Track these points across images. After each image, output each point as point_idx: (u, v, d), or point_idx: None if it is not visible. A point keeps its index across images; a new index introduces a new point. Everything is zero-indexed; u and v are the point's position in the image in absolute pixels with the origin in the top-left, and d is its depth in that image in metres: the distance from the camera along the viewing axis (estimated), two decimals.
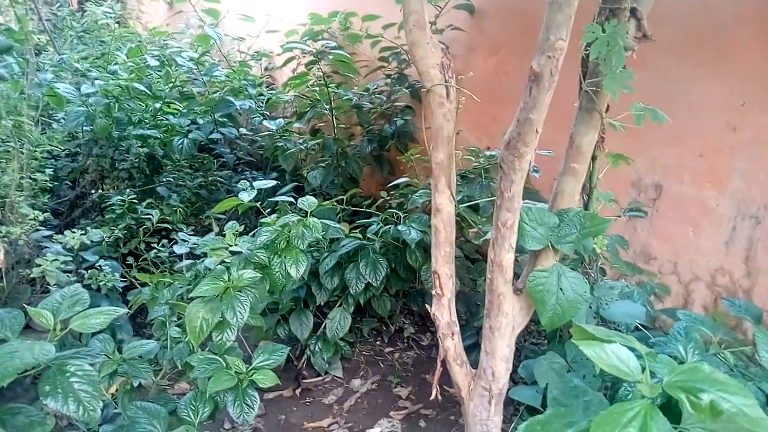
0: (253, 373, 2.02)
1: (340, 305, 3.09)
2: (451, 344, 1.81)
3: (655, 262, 3.08)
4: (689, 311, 2.05)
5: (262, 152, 4.75)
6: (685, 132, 2.78)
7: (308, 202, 2.33)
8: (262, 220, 2.31)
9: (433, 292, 1.77)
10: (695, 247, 2.87)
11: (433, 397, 1.88)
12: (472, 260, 3.22)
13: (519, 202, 1.54)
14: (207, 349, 2.13)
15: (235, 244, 2.16)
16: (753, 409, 0.69)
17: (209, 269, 2.25)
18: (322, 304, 3.05)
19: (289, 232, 2.21)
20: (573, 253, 1.68)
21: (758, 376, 1.52)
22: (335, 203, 3.09)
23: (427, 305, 1.82)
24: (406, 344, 3.58)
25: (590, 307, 1.85)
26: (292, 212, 2.50)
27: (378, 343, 3.60)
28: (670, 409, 0.86)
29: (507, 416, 1.94)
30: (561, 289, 1.54)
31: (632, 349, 0.84)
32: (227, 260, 2.22)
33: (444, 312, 1.77)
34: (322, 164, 4.00)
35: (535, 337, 3.47)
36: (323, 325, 3.14)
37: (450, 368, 1.85)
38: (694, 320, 1.73)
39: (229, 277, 2.08)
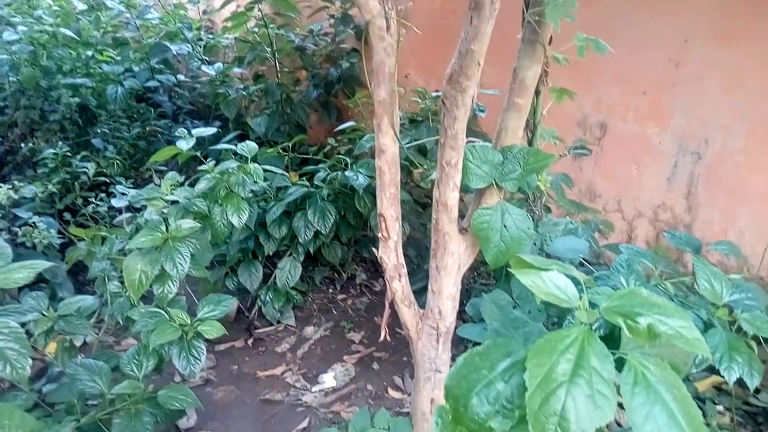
0: (199, 325, 1.96)
1: (290, 255, 3.05)
2: (399, 286, 1.80)
3: (600, 200, 3.14)
4: (632, 245, 2.09)
5: (202, 100, 4.56)
6: (629, 70, 2.78)
7: (248, 147, 2.24)
8: (201, 168, 2.21)
9: (379, 235, 1.74)
10: (639, 184, 2.93)
11: (382, 338, 1.88)
12: (422, 205, 3.21)
13: (463, 140, 1.50)
14: (154, 304, 2.06)
15: (172, 194, 2.06)
16: (690, 331, 0.69)
17: (148, 221, 2.15)
18: (271, 254, 2.99)
19: (229, 179, 2.12)
20: (517, 191, 1.67)
21: (697, 305, 1.57)
22: (281, 151, 3.00)
23: (374, 249, 1.79)
24: (358, 291, 3.59)
25: (534, 244, 1.86)
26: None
27: (330, 291, 3.59)
28: (613, 339, 0.86)
29: (456, 355, 1.96)
30: (505, 226, 1.53)
31: (571, 278, 0.83)
32: (165, 211, 2.13)
33: (391, 255, 1.75)
34: (267, 111, 3.86)
35: (484, 277, 3.53)
36: (273, 275, 3.10)
37: (398, 310, 1.84)
38: (636, 253, 1.77)
39: (167, 227, 1.99)
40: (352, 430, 1.86)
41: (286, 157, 3.27)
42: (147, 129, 4.14)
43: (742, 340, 1.41)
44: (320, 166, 3.00)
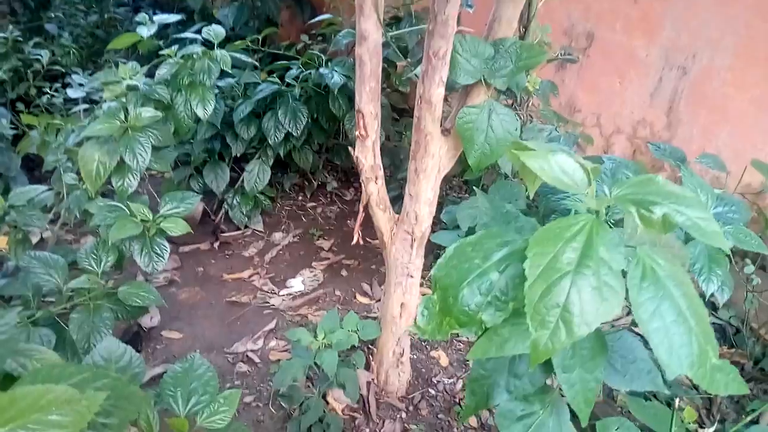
0: (162, 221, 1.86)
1: (259, 157, 2.92)
2: (375, 189, 1.72)
3: (579, 115, 3.07)
4: (614, 156, 2.04)
5: None
6: None
7: (215, 31, 2.04)
8: (162, 52, 2.02)
9: (356, 133, 1.63)
10: (620, 98, 2.86)
11: (354, 241, 1.82)
12: (399, 111, 3.08)
13: (453, 27, 1.37)
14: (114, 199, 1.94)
15: (131, 78, 1.89)
16: (708, 223, 0.63)
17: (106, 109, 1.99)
18: (238, 155, 2.86)
19: (193, 65, 1.95)
20: (503, 93, 1.57)
21: None
22: (249, 44, 2.79)
23: (350, 149, 1.69)
24: (329, 199, 3.51)
25: None
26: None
27: (300, 198, 3.50)
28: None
29: (427, 264, 1.92)
30: (491, 127, 1.45)
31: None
32: (124, 100, 1.97)
33: (368, 154, 1.65)
34: (235, 3, 3.58)
35: (456, 191, 3.48)
36: (241, 178, 2.98)
37: (373, 213, 1.78)
38: (619, 163, 1.71)
39: (126, 116, 1.84)
40: (321, 330, 1.84)
41: (256, 55, 3.07)
42: (105, 17, 3.82)
43: (723, 253, 1.39)
44: (292, 63, 2.81)
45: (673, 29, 2.54)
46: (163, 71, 1.91)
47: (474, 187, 2.43)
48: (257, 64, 2.67)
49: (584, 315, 0.60)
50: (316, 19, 2.88)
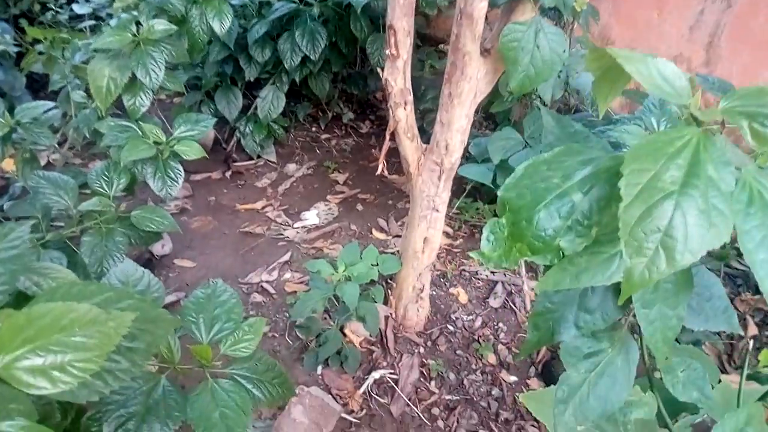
0: (175, 144, 1.77)
1: (273, 83, 2.79)
2: (403, 115, 1.61)
3: (611, 47, 2.90)
4: None
5: None
6: None
7: None
8: None
9: (387, 51, 1.51)
10: (657, 31, 2.69)
11: (379, 171, 1.73)
12: (421, 37, 2.91)
13: None
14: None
15: None
16: None
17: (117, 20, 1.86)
18: (252, 80, 2.72)
19: None
20: (551, 8, 1.44)
21: None
22: None
23: (379, 70, 1.57)
24: (344, 131, 3.39)
25: (558, 77, 1.66)
26: None
27: (314, 129, 3.38)
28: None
29: (452, 198, 1.84)
30: (538, 46, 1.32)
31: None
32: (135, 13, 1.83)
33: (398, 77, 1.54)
34: None
35: (477, 128, 3.35)
36: (254, 105, 2.86)
37: (399, 142, 1.68)
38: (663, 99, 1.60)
39: (138, 29, 1.71)
40: (341, 263, 1.77)
41: None
42: None
43: None
44: None
45: None
46: None
47: (508, 119, 2.32)
48: None
49: (689, 242, 0.51)
50: None
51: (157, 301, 1.11)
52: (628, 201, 0.52)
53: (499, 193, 0.63)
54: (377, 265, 1.84)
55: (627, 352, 0.69)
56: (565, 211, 0.59)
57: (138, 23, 1.74)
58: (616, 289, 0.66)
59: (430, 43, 3.30)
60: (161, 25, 1.69)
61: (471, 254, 0.61)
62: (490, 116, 3.10)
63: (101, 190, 1.72)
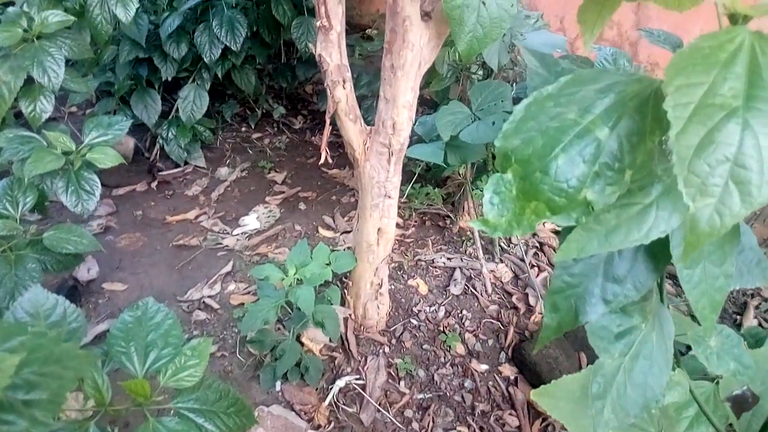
0: (87, 152, 1.55)
1: (194, 81, 2.57)
2: (343, 94, 1.46)
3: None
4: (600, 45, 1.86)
5: None
6: None
7: None
8: None
9: (318, 23, 1.35)
10: None
11: (322, 161, 1.57)
12: (346, 24, 2.76)
13: None
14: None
15: None
16: None
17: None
18: (170, 80, 2.49)
19: None
20: None
21: None
22: None
23: (310, 45, 1.41)
24: (276, 128, 3.20)
25: (502, 41, 1.56)
26: None
27: (244, 128, 3.17)
28: None
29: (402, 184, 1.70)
30: (484, 2, 1.20)
31: None
32: (24, 3, 1.59)
33: (333, 51, 1.38)
34: None
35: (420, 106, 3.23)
36: (175, 107, 2.63)
37: (341, 125, 1.52)
38: (616, 52, 1.52)
39: (29, 23, 1.48)
40: (291, 265, 1.60)
41: None
42: None
43: None
44: None
45: None
46: None
47: (447, 98, 2.21)
48: None
49: (766, 170, 0.39)
50: None
51: (76, 332, 0.92)
52: (681, 126, 0.40)
53: (497, 143, 0.50)
54: (330, 263, 1.68)
55: (661, 325, 0.57)
56: (590, 153, 0.46)
57: (29, 16, 1.50)
58: (649, 249, 0.54)
59: (356, 30, 3.16)
60: (56, 17, 1.47)
61: (472, 224, 0.47)
62: (425, 101, 2.99)
63: (5, 212, 1.49)
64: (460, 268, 2.22)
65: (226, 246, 2.31)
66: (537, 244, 2.39)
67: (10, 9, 1.52)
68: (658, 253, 0.53)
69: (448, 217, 2.45)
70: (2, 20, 1.48)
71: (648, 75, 0.49)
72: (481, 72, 1.99)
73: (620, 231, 0.48)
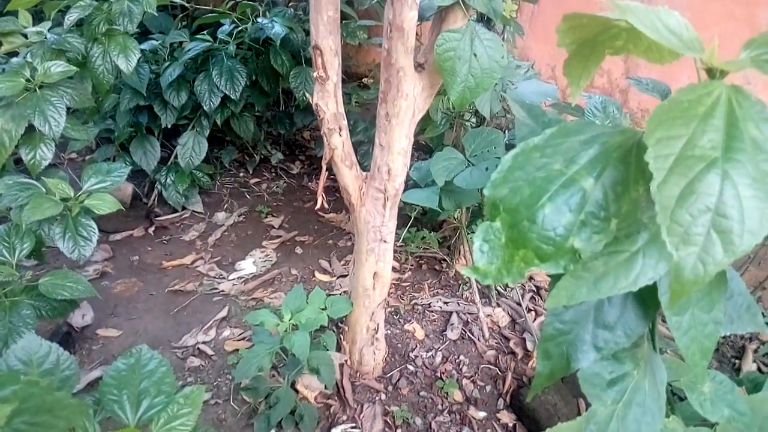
0: (85, 198, 1.56)
1: (193, 128, 2.61)
2: (339, 142, 1.49)
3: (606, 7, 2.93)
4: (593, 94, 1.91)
5: None
6: None
7: None
8: None
9: (315, 74, 1.39)
10: None
11: (319, 206, 1.59)
12: (343, 73, 2.83)
13: None
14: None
15: (33, 26, 1.56)
16: None
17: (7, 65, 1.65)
18: (169, 127, 2.53)
19: (110, 9, 1.64)
20: (482, 17, 1.38)
21: None
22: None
23: (307, 95, 1.45)
24: (273, 174, 3.23)
25: (494, 90, 1.59)
26: None
27: (242, 174, 3.21)
28: None
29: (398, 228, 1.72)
30: (475, 54, 1.24)
31: None
32: (29, 58, 1.64)
33: (329, 100, 1.42)
34: None
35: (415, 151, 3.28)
36: (174, 153, 2.66)
37: (338, 171, 1.54)
38: (606, 100, 1.56)
39: (32, 73, 1.52)
40: (286, 310, 1.60)
41: (182, 14, 2.74)
42: None
43: None
44: (224, 17, 2.50)
45: None
46: (73, 16, 1.58)
47: (442, 144, 2.24)
48: (183, 33, 2.35)
49: (747, 220, 0.40)
50: None
51: (69, 381, 0.91)
52: (662, 176, 0.41)
53: (486, 192, 0.51)
54: (326, 308, 1.67)
55: (653, 371, 0.58)
56: (575, 202, 0.47)
57: (32, 66, 1.54)
58: (638, 296, 0.55)
59: (353, 78, 3.23)
60: (59, 67, 1.51)
61: (463, 271, 0.48)
62: (420, 146, 3.04)
63: (1, 257, 1.49)
64: (456, 312, 2.21)
65: (222, 291, 2.30)
66: (534, 288, 2.38)
67: (14, 60, 1.56)
68: (647, 299, 0.54)
69: (444, 260, 2.45)
70: (6, 70, 1.52)
71: (631, 127, 0.51)
72: (474, 119, 2.04)
73: (609, 278, 0.49)
